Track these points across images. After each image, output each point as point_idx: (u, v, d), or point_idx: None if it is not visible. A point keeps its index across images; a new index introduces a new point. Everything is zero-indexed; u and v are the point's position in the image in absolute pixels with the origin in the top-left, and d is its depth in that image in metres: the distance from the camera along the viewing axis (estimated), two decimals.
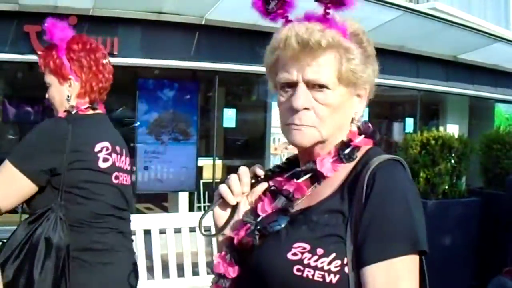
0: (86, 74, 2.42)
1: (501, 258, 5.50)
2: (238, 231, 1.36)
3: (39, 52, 2.49)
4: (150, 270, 4.73)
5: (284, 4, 1.34)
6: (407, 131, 10.98)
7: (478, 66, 10.99)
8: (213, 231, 1.46)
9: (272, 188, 1.41)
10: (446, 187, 5.62)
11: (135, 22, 7.72)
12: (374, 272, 1.20)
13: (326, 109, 1.31)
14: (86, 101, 2.45)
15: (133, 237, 4.67)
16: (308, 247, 1.24)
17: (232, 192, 1.38)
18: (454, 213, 5.56)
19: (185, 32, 8.09)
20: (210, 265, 4.67)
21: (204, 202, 9.83)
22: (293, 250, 1.25)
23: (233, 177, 1.40)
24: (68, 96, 2.40)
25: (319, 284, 1.22)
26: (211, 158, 9.22)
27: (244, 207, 1.40)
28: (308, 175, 1.35)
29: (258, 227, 1.33)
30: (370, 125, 1.43)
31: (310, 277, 1.22)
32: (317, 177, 1.34)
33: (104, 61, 2.53)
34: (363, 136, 1.38)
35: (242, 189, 1.39)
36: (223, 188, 1.39)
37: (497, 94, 11.84)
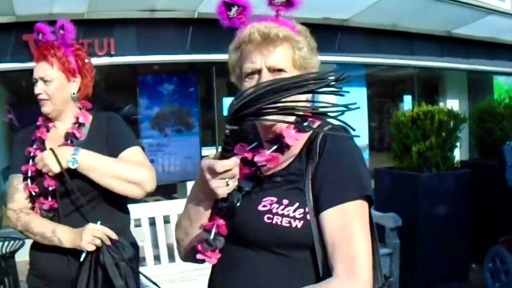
0: (88, 76, 2.58)
1: (496, 229, 5.59)
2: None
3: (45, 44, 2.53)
4: (156, 256, 4.94)
5: (243, 11, 1.64)
6: (405, 108, 11.04)
7: (473, 40, 10.94)
8: None
9: (243, 157, 1.64)
10: (439, 160, 5.72)
11: (129, 21, 7.91)
12: (330, 216, 1.45)
13: None
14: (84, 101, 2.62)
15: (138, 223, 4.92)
16: (275, 199, 1.50)
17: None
18: (447, 185, 5.61)
19: (179, 27, 8.25)
20: None
21: None
22: (263, 203, 1.51)
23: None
24: (73, 93, 2.52)
25: (287, 229, 1.46)
26: (215, 147, 9.42)
27: None
28: (275, 146, 1.59)
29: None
30: None
31: (279, 223, 1.47)
32: (281, 148, 1.59)
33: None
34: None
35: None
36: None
37: (495, 66, 11.75)
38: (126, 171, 2.35)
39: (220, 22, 1.66)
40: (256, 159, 1.58)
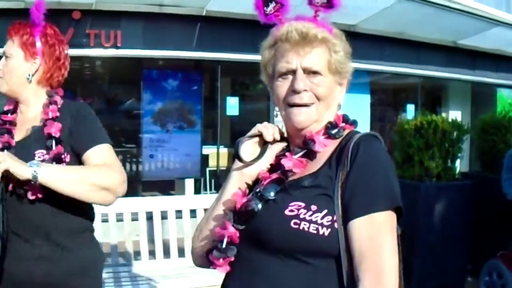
0: (53, 62, 2.37)
1: (495, 242, 5.55)
2: (240, 198, 1.55)
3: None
4: (151, 251, 4.93)
5: (280, 8, 1.61)
6: (408, 118, 11.02)
7: (479, 51, 10.97)
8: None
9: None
10: (440, 170, 5.69)
11: (137, 15, 7.93)
12: (359, 225, 1.41)
13: (321, 90, 1.55)
14: (52, 88, 2.42)
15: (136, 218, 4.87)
16: (303, 204, 1.44)
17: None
18: (448, 196, 5.58)
19: (186, 23, 8.27)
20: None
21: (211, 189, 10.00)
22: (290, 208, 1.45)
23: (268, 124, 1.64)
24: (29, 75, 2.33)
25: (314, 236, 1.42)
26: (216, 146, 9.41)
27: (270, 154, 1.62)
28: (303, 152, 1.56)
29: (258, 194, 1.52)
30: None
31: (306, 229, 1.41)
32: (309, 153, 1.55)
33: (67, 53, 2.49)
34: (345, 123, 1.61)
35: (274, 134, 1.61)
36: (263, 125, 1.63)
37: (499, 79, 11.77)
38: (93, 177, 2.15)
39: (257, 17, 1.63)
40: (282, 162, 1.55)
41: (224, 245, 1.51)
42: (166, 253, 4.89)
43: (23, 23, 2.35)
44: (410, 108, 11.38)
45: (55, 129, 2.25)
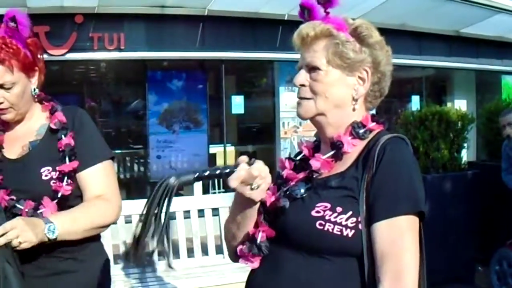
0: (43, 64, 2.18)
1: (504, 231, 5.52)
2: (270, 196, 1.59)
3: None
4: (160, 252, 4.96)
5: (312, 13, 1.65)
6: (413, 109, 11.00)
7: (482, 39, 10.91)
8: None
9: (301, 159, 1.69)
10: (446, 161, 5.70)
11: (139, 17, 8.01)
12: (381, 228, 1.44)
13: (319, 86, 1.58)
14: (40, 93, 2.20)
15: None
16: (329, 205, 1.49)
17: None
18: (454, 186, 5.60)
19: (189, 23, 8.32)
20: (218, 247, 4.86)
21: (219, 188, 10.03)
22: (316, 209, 1.49)
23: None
24: (34, 89, 2.13)
25: (338, 237, 1.46)
26: (223, 145, 9.44)
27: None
28: (332, 152, 1.59)
29: (287, 192, 1.58)
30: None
31: (331, 230, 1.46)
32: (338, 154, 1.58)
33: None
34: (375, 123, 1.62)
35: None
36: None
37: (503, 66, 11.72)
38: (96, 220, 2.08)
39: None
40: (310, 163, 1.59)
41: (258, 242, 1.56)
42: (175, 253, 4.93)
43: (5, 41, 2.00)
44: (415, 99, 11.35)
45: (70, 140, 2.10)
